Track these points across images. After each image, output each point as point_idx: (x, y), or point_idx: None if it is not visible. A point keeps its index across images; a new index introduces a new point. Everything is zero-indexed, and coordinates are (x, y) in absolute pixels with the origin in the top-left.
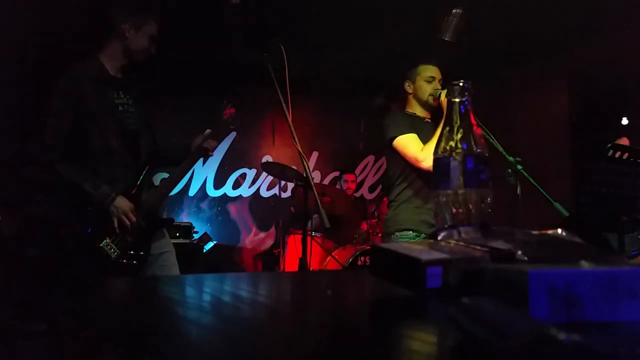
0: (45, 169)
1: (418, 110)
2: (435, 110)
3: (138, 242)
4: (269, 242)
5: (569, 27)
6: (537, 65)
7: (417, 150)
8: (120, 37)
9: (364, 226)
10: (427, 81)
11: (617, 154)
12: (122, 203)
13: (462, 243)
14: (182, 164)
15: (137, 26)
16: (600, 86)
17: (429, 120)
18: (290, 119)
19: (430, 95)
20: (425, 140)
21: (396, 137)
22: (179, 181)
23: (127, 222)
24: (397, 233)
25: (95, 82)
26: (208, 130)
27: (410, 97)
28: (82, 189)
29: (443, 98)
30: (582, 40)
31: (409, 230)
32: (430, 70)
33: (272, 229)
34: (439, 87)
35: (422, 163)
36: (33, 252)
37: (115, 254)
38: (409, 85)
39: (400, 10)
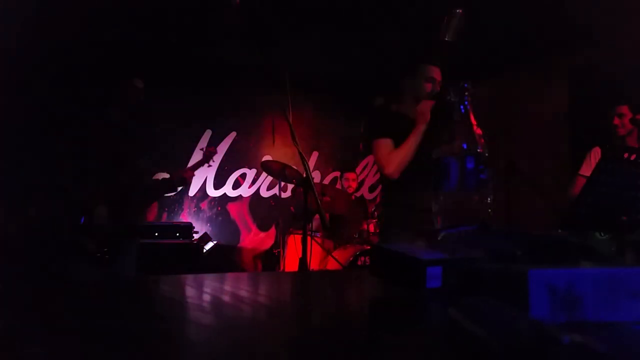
0: None
1: (413, 110)
2: (432, 109)
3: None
4: (269, 242)
5: (569, 26)
6: (537, 65)
7: (384, 155)
8: None
9: (364, 226)
10: (426, 80)
11: (625, 155)
12: None
13: (462, 243)
14: (161, 190)
15: None
16: (600, 86)
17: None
18: (290, 119)
19: (427, 94)
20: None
21: (372, 139)
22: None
23: None
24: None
25: None
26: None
27: (408, 95)
28: None
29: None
30: (582, 40)
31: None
32: (430, 70)
33: (272, 229)
34: (438, 88)
35: (385, 169)
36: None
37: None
38: (407, 83)
39: (401, 10)
